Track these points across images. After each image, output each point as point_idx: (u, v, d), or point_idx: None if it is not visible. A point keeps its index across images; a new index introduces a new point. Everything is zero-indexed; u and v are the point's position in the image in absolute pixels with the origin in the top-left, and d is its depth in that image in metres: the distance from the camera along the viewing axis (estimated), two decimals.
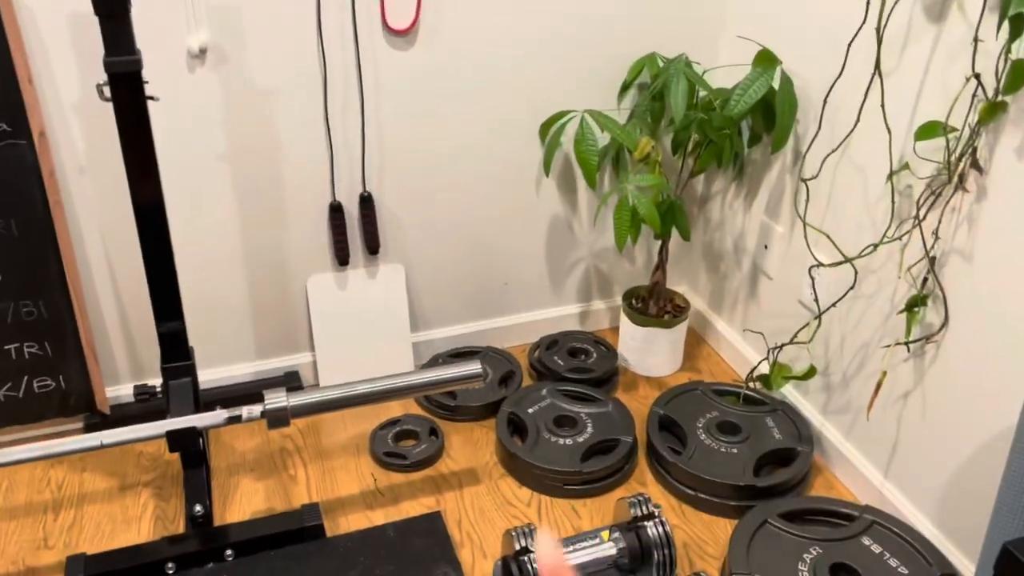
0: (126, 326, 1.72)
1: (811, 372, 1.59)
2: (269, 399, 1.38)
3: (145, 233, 1.39)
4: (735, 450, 1.63)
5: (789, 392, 1.78)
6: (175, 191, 1.62)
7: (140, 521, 1.55)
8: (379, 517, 1.55)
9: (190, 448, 1.36)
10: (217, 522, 1.54)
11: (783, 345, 1.68)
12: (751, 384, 1.78)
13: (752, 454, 1.61)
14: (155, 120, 1.54)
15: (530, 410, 1.74)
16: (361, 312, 1.84)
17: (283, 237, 1.74)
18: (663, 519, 1.37)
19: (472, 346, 1.98)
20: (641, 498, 1.41)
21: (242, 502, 1.59)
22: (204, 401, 1.74)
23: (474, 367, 1.49)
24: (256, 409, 1.38)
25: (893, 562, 1.39)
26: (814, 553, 1.40)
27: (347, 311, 1.83)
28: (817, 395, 1.71)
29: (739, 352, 1.94)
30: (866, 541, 1.43)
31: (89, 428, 1.71)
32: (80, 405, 1.70)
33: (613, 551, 1.38)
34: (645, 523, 1.37)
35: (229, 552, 1.44)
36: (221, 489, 1.62)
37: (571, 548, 1.42)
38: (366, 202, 1.74)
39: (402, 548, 1.47)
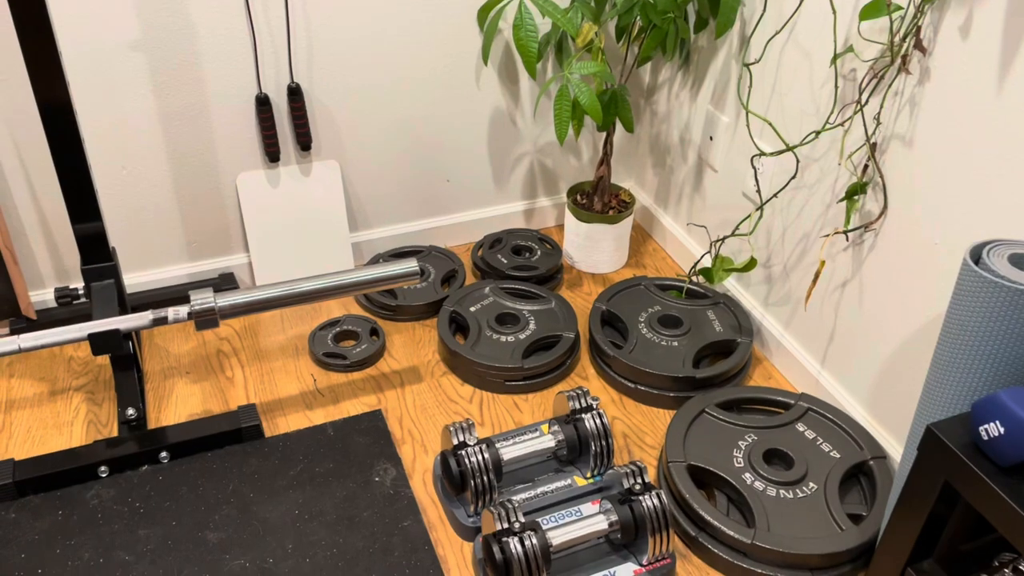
0: (47, 230, 1.65)
1: (751, 264, 1.59)
2: (196, 300, 1.34)
3: (52, 129, 1.31)
4: (675, 343, 1.64)
5: (731, 285, 1.79)
6: (86, 84, 1.52)
7: (72, 426, 1.53)
8: (319, 417, 1.55)
9: (116, 351, 1.33)
10: (152, 425, 1.52)
11: (725, 238, 1.67)
12: (693, 278, 1.79)
13: (692, 346, 1.63)
14: (58, 7, 1.43)
15: (472, 308, 1.73)
16: (296, 211, 1.79)
17: (208, 132, 1.66)
18: (600, 411, 1.39)
19: (414, 246, 1.95)
20: (579, 392, 1.42)
21: (178, 405, 1.57)
22: (134, 304, 1.70)
23: (410, 265, 1.46)
24: (183, 310, 1.34)
25: (826, 446, 1.43)
26: (749, 440, 1.43)
27: (281, 210, 1.78)
28: (758, 288, 1.72)
29: (684, 246, 1.94)
30: (800, 428, 1.46)
31: (15, 333, 1.66)
32: (4, 310, 1.65)
33: (552, 443, 1.40)
34: (583, 415, 1.38)
35: (164, 454, 1.43)
36: (156, 392, 1.60)
37: (511, 441, 1.43)
38: (295, 94, 1.66)
39: (343, 446, 1.47)
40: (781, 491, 1.35)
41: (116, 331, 1.31)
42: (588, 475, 1.40)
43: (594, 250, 1.92)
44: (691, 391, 1.57)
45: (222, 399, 1.59)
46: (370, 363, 1.67)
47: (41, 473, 1.37)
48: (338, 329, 1.72)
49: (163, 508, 1.35)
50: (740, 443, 1.42)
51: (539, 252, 1.92)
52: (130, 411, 1.48)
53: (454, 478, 1.32)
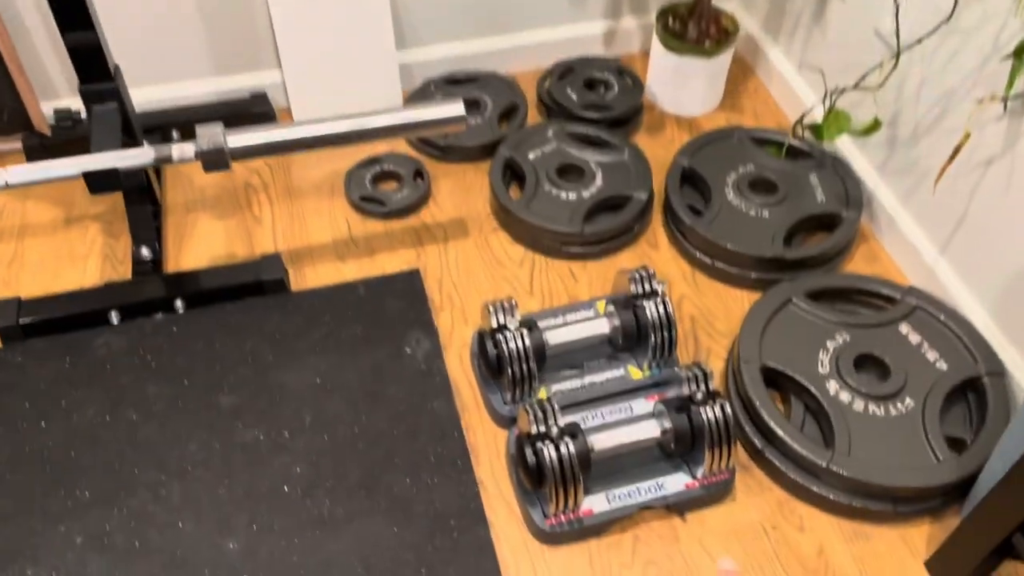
0: (52, 32, 1.47)
1: (875, 126, 1.31)
2: (203, 136, 1.17)
3: None
4: (767, 213, 1.41)
5: (843, 144, 1.51)
6: None
7: (86, 260, 1.42)
8: (351, 271, 1.41)
9: (115, 190, 1.18)
10: (170, 267, 1.41)
11: (844, 90, 1.38)
12: (799, 132, 1.51)
13: (787, 218, 1.39)
14: None
15: (531, 155, 1.51)
16: (335, 23, 1.55)
17: None
18: (666, 298, 1.19)
19: (472, 71, 1.70)
20: (643, 273, 1.22)
21: (199, 245, 1.44)
22: (153, 126, 1.54)
23: (455, 108, 1.24)
24: (189, 149, 1.17)
25: (931, 355, 1.22)
26: (839, 341, 1.23)
27: (318, 21, 1.54)
28: (876, 150, 1.44)
29: (792, 90, 1.64)
30: (904, 329, 1.25)
31: (29, 151, 1.53)
32: (14, 123, 1.50)
33: (607, 328, 1.23)
34: (644, 302, 1.20)
35: (179, 303, 1.32)
36: (176, 229, 1.47)
37: (560, 320, 1.27)
38: None
39: (373, 309, 1.34)
40: (871, 406, 1.16)
41: (114, 170, 1.15)
42: (645, 367, 1.23)
43: (683, 88, 1.64)
44: (778, 273, 1.35)
45: (247, 241, 1.45)
46: (412, 211, 1.49)
47: (48, 317, 1.28)
48: (378, 169, 1.53)
49: (175, 364, 1.26)
50: (828, 343, 1.23)
51: (616, 88, 1.65)
52: (144, 251, 1.36)
53: (491, 362, 1.17)
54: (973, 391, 1.21)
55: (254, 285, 1.33)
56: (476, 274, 1.40)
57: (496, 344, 1.16)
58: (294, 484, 1.13)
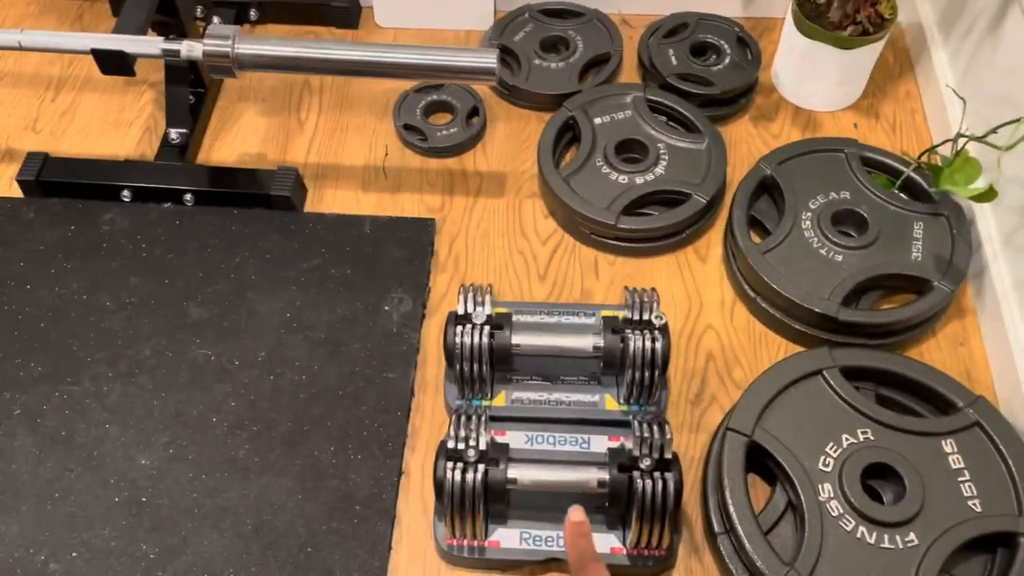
0: None
1: (989, 194, 1.04)
2: (211, 37, 1.10)
3: None
4: (840, 257, 1.18)
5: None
6: None
7: (130, 128, 1.43)
8: (369, 204, 1.33)
9: (127, 73, 1.15)
10: (201, 154, 1.39)
11: (1000, 126, 1.10)
12: (924, 164, 1.24)
13: (861, 270, 1.17)
14: None
15: (597, 120, 1.34)
16: None
17: None
18: (658, 334, 1.03)
19: (577, 4, 1.51)
20: (643, 298, 1.06)
21: (236, 138, 1.41)
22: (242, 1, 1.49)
23: (487, 59, 1.10)
24: (197, 47, 1.11)
25: (968, 489, 1.00)
26: (860, 438, 1.03)
27: None
28: (1009, 214, 1.16)
29: (946, 109, 1.35)
30: (947, 447, 1.03)
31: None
32: None
33: (589, 347, 1.09)
34: (633, 332, 1.04)
35: (189, 196, 1.30)
36: (221, 115, 1.44)
37: (541, 319, 1.15)
38: None
39: (372, 252, 1.26)
40: (863, 527, 0.97)
41: (121, 53, 1.11)
42: (622, 400, 1.09)
43: (809, 77, 1.39)
44: (827, 333, 1.15)
45: (283, 145, 1.40)
46: (453, 152, 1.38)
47: (67, 180, 1.30)
48: (434, 97, 1.42)
49: (164, 259, 1.25)
50: (845, 437, 1.03)
51: (728, 59, 1.42)
52: (173, 135, 1.35)
53: (448, 350, 1.08)
54: (1004, 546, 0.99)
55: (262, 197, 1.29)
56: (495, 240, 1.29)
57: (453, 333, 1.05)
58: (223, 418, 1.11)
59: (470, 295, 1.07)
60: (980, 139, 1.06)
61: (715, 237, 1.29)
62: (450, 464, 0.95)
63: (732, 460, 1.02)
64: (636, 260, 1.27)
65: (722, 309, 1.22)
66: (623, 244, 1.26)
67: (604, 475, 0.98)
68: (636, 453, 0.96)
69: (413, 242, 1.27)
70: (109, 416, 1.12)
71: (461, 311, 1.07)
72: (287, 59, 1.10)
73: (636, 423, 0.98)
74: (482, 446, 0.96)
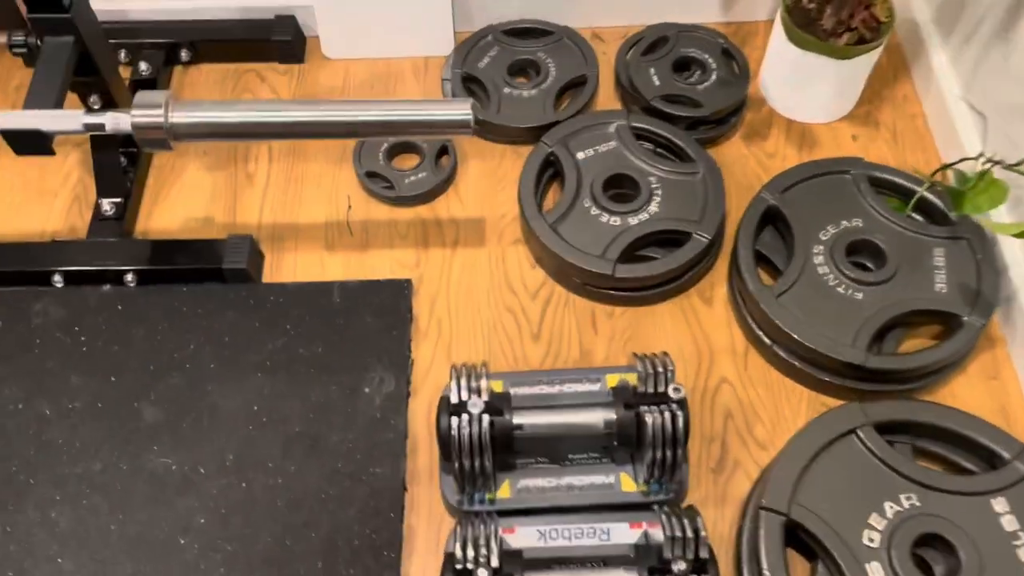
0: None
1: (1014, 229, 0.95)
2: (140, 107, 0.96)
3: None
4: (860, 295, 1.09)
5: (996, 214, 1.14)
6: None
7: (56, 197, 1.28)
8: (335, 267, 1.20)
9: (45, 152, 1.00)
10: (140, 221, 1.24)
11: (998, 162, 1.01)
12: (939, 183, 1.15)
13: (885, 308, 1.07)
14: None
15: (580, 155, 1.22)
16: None
17: None
18: (677, 407, 0.93)
19: (543, 23, 1.39)
20: (655, 367, 0.96)
21: (177, 201, 1.27)
22: (161, 41, 1.35)
23: (462, 111, 0.97)
24: (123, 120, 0.97)
25: None
26: (905, 505, 0.94)
27: None
28: None
29: (952, 118, 1.25)
30: (999, 506, 0.95)
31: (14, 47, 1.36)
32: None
33: (600, 423, 0.98)
34: (649, 409, 0.94)
35: (130, 277, 1.16)
36: (159, 175, 1.29)
37: (542, 392, 1.03)
38: None
39: (345, 324, 1.14)
40: None
41: (37, 133, 0.97)
42: (640, 481, 0.99)
43: (803, 88, 1.29)
44: (855, 382, 1.06)
45: (231, 205, 1.26)
46: (424, 199, 1.25)
47: None
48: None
49: (108, 352, 1.11)
50: (889, 506, 0.94)
51: (714, 74, 1.31)
52: (106, 205, 1.20)
53: (443, 441, 0.96)
54: None
55: (214, 271, 1.15)
56: (479, 297, 1.17)
57: (448, 426, 0.94)
58: (192, 538, 0.99)
59: (463, 379, 0.96)
60: (1013, 167, 0.97)
61: (718, 277, 1.19)
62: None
63: (770, 542, 0.93)
64: (636, 309, 1.16)
65: (734, 358, 1.12)
66: (620, 294, 1.15)
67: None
68: (668, 555, 0.86)
69: (389, 308, 1.15)
70: (61, 548, 0.98)
71: (455, 399, 0.95)
72: (230, 126, 0.97)
73: (664, 518, 0.88)
74: (495, 562, 0.85)
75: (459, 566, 0.85)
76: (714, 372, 1.11)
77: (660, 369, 0.96)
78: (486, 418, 0.93)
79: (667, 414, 0.93)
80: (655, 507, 0.93)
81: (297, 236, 1.23)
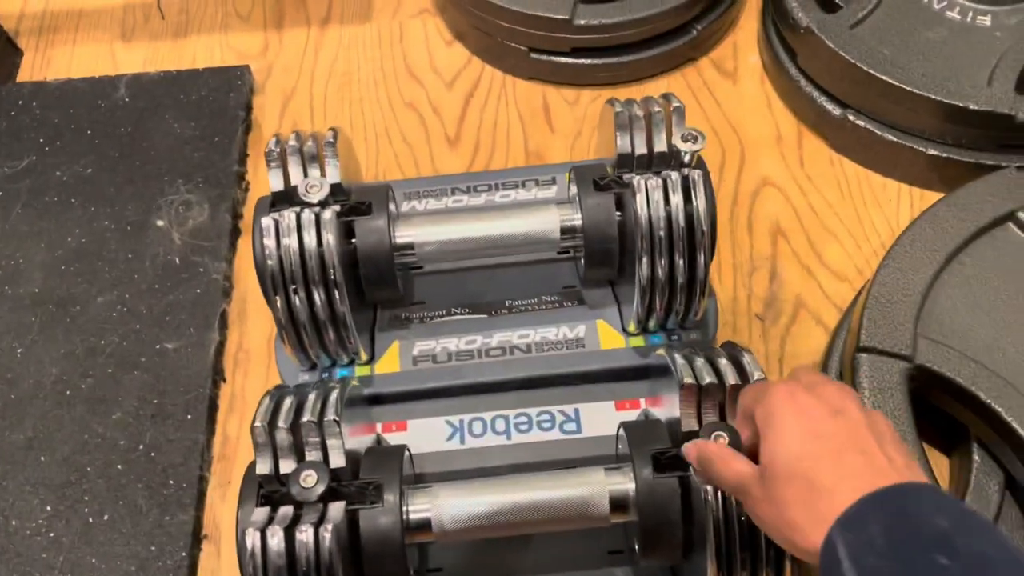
0: None
1: None
2: None
3: None
4: (988, 19, 0.66)
5: None
6: None
7: None
8: (133, 58, 0.78)
9: None
10: None
11: None
12: None
13: None
14: None
15: None
16: None
17: None
18: (696, 177, 0.50)
19: None
20: (655, 108, 0.52)
21: None
22: None
23: None
24: None
25: None
26: None
27: None
28: None
29: None
30: None
31: None
32: None
33: (555, 229, 0.54)
34: (644, 181, 0.50)
35: None
36: None
37: (470, 197, 0.60)
38: None
39: (130, 131, 0.71)
40: None
41: None
42: (632, 323, 0.55)
43: None
44: (992, 153, 0.63)
45: None
46: None
47: None
48: None
49: None
50: None
51: None
52: None
53: (260, 271, 0.52)
54: None
55: None
56: (364, 90, 0.75)
57: (262, 235, 0.50)
58: None
59: (295, 153, 0.52)
60: None
61: (743, 38, 0.76)
62: (265, 516, 0.41)
63: (893, 406, 0.49)
64: (614, 90, 0.73)
65: (780, 148, 0.69)
66: (588, 62, 0.72)
67: (626, 486, 0.44)
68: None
69: (210, 109, 0.72)
70: None
71: (277, 184, 0.51)
72: None
73: (681, 361, 0.44)
74: (336, 462, 0.42)
75: (263, 469, 0.41)
76: (748, 173, 0.68)
77: (658, 111, 0.52)
78: (333, 216, 0.50)
79: (676, 178, 0.50)
80: (662, 352, 0.49)
81: (78, 23, 0.80)
